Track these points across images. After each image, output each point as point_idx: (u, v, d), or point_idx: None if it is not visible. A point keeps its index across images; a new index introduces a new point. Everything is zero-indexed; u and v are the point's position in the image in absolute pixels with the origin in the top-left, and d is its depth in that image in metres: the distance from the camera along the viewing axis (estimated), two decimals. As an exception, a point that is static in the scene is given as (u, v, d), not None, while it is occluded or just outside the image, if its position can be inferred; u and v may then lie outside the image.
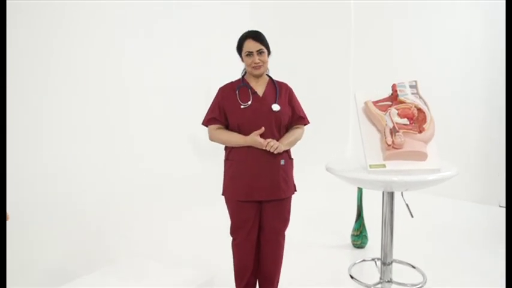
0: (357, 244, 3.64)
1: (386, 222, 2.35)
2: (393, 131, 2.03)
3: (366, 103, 2.18)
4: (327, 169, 2.28)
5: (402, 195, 2.27)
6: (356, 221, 3.65)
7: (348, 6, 5.83)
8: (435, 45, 5.19)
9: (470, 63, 4.94)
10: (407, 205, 2.27)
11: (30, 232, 3.02)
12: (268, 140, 2.36)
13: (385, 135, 2.06)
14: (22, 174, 2.97)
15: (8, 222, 1.85)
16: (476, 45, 4.88)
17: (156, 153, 3.99)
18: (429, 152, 2.08)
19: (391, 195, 2.30)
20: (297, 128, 2.58)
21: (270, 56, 2.57)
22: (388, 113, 2.09)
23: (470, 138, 5.00)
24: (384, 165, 2.07)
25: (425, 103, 2.15)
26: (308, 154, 4.99)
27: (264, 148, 2.37)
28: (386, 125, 2.08)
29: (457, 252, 3.52)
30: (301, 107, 2.63)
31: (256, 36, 2.47)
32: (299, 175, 4.25)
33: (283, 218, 2.60)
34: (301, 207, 4.43)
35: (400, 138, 2.00)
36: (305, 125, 2.64)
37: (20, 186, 2.93)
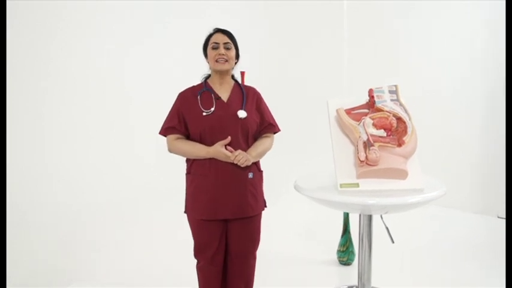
0: (343, 261, 3.25)
1: (364, 247, 1.96)
2: (367, 145, 1.64)
3: (337, 111, 1.80)
4: (295, 187, 1.89)
5: (382, 218, 1.88)
6: (342, 236, 3.26)
7: (340, 8, 5.44)
8: (433, 48, 4.80)
9: (470, 67, 4.53)
10: (387, 229, 1.88)
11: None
12: (236, 152, 1.99)
13: (357, 149, 1.67)
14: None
15: None
16: (477, 48, 4.46)
17: (150, 162, 3.85)
18: (410, 169, 1.69)
19: (369, 217, 1.91)
20: (265, 137, 2.23)
21: (239, 62, 2.29)
22: (361, 123, 1.70)
23: (469, 145, 4.59)
24: (357, 185, 1.69)
25: (406, 111, 1.76)
26: (296, 163, 4.65)
27: (230, 161, 2.01)
28: (359, 137, 1.69)
29: (450, 272, 3.10)
30: (270, 114, 2.28)
31: (225, 31, 2.17)
32: (287, 185, 3.92)
33: (251, 238, 2.23)
34: (285, 219, 4.13)
35: (374, 153, 1.61)
36: (275, 133, 2.29)
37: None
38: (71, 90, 3.26)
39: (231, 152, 2.00)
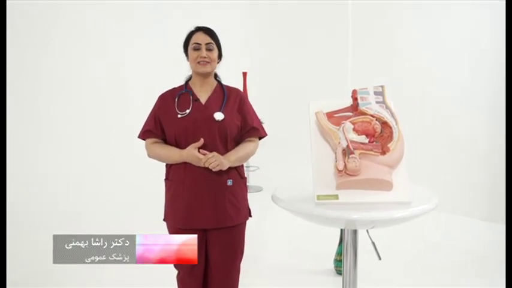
0: (339, 270, 3.03)
1: (349, 266, 1.74)
2: (346, 152, 1.44)
3: (316, 114, 1.59)
4: (272, 197, 1.70)
5: (368, 232, 1.67)
6: (339, 244, 3.05)
7: (345, 8, 5.21)
8: (438, 48, 4.52)
9: (476, 67, 4.24)
10: (373, 244, 1.67)
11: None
12: (209, 154, 1.81)
13: (336, 157, 1.46)
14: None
15: None
16: (483, 49, 4.17)
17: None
18: (396, 179, 1.47)
19: (354, 232, 1.70)
20: (249, 141, 2.05)
21: (220, 63, 2.09)
22: (341, 128, 1.49)
23: (477, 149, 4.29)
24: (336, 197, 1.48)
25: (392, 115, 1.54)
26: (298, 164, 4.47)
27: (202, 165, 1.83)
28: (339, 143, 1.48)
29: (453, 283, 2.86)
30: (255, 117, 2.10)
31: (207, 29, 2.00)
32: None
33: (232, 249, 2.05)
34: (279, 226, 3.93)
35: (354, 162, 1.40)
36: (260, 138, 2.11)
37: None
38: (69, 92, 3.20)
39: (204, 154, 1.83)
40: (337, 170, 1.43)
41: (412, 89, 4.60)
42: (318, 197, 1.48)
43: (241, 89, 4.94)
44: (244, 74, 5.03)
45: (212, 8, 4.54)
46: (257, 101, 5.21)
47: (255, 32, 5.49)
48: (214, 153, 1.85)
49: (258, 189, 5.07)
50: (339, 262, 3.03)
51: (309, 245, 3.62)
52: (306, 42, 5.26)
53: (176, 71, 3.80)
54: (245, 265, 3.10)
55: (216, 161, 1.82)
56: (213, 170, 1.84)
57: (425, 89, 4.52)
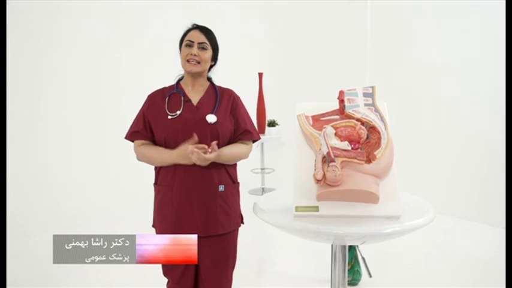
0: (347, 280, 2.84)
1: (337, 282, 1.58)
2: (327, 160, 1.28)
3: (297, 117, 1.44)
4: (253, 206, 1.56)
5: (357, 247, 1.50)
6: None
7: (364, 6, 5.00)
8: (453, 48, 4.27)
9: (494, 67, 3.95)
10: (363, 259, 1.50)
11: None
12: (196, 148, 1.65)
13: (315, 165, 1.30)
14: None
15: None
16: (501, 50, 3.87)
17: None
18: (384, 191, 1.30)
19: (343, 247, 1.53)
20: (242, 143, 1.91)
21: (215, 68, 1.98)
22: (322, 133, 1.33)
23: (491, 151, 3.99)
24: (317, 208, 1.32)
25: (382, 118, 1.36)
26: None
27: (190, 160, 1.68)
28: (320, 150, 1.32)
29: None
30: (249, 120, 1.96)
31: (204, 28, 1.88)
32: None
33: (224, 258, 1.92)
34: (279, 233, 3.69)
35: (334, 171, 1.24)
36: (254, 141, 1.97)
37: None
38: (70, 93, 3.18)
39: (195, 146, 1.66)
40: (315, 179, 1.27)
41: (431, 89, 4.36)
42: (297, 209, 1.33)
43: (258, 90, 4.86)
44: (260, 75, 4.91)
45: (228, 10, 4.45)
46: (273, 102, 5.12)
47: (271, 32, 5.36)
48: (203, 146, 1.70)
49: (273, 192, 4.92)
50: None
51: (312, 253, 3.44)
52: (323, 42, 5.09)
53: (175, 70, 3.78)
54: (251, 269, 2.99)
55: (202, 156, 1.66)
56: (202, 164, 1.69)
57: (442, 89, 4.27)
